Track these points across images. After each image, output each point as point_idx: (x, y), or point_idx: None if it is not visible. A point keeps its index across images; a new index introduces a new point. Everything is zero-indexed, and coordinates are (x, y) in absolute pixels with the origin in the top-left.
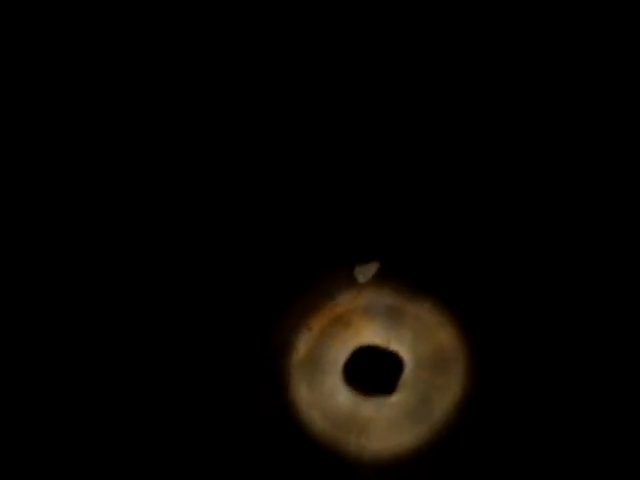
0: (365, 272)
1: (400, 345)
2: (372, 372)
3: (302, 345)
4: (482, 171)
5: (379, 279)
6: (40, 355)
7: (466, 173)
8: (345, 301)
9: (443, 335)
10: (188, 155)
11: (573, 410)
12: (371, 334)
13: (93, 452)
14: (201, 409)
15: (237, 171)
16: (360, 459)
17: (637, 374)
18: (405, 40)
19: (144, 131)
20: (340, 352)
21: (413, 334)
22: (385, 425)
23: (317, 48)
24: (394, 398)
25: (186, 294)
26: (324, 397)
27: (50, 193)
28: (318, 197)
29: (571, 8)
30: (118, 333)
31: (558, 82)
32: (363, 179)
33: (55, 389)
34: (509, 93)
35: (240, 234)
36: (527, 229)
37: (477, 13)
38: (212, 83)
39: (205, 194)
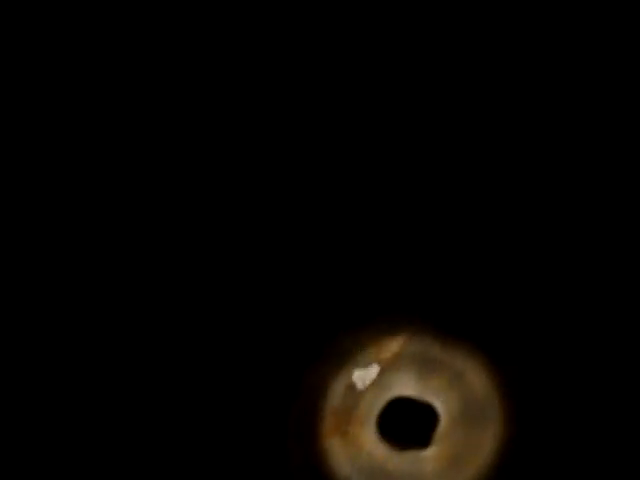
0: (364, 377)
1: (434, 396)
2: (406, 424)
3: (333, 399)
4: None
5: (412, 327)
6: (40, 355)
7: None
8: (379, 349)
9: (478, 385)
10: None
11: (621, 466)
12: (405, 384)
13: (94, 452)
14: (229, 454)
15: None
16: None
17: None
18: (405, 39)
19: (144, 132)
20: (374, 403)
21: (448, 384)
22: (421, 479)
23: (316, 47)
24: (429, 452)
25: (218, 329)
26: (357, 449)
27: (50, 193)
28: (345, 245)
29: (571, 8)
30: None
31: (558, 79)
32: (390, 225)
33: (64, 389)
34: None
35: (275, 275)
36: (561, 273)
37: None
38: (212, 82)
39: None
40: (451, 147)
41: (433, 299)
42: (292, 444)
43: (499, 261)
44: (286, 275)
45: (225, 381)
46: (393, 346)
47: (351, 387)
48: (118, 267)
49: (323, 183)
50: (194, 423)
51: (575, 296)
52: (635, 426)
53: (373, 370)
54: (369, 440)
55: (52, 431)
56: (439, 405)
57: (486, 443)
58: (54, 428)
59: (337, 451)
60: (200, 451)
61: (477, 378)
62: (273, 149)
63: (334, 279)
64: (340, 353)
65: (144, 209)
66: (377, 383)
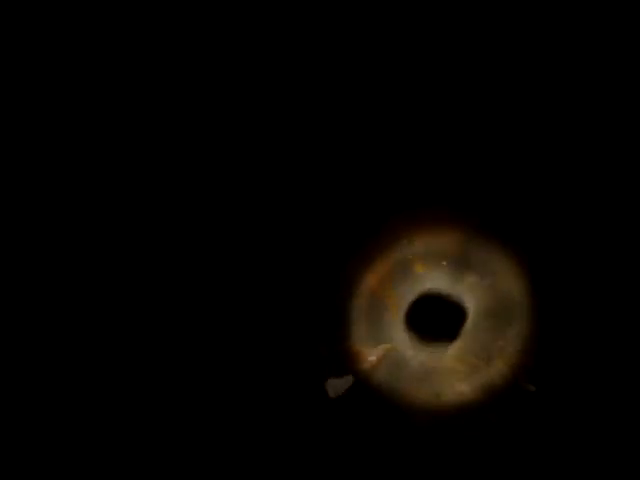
0: (337, 387)
1: (463, 293)
2: (434, 320)
3: (365, 289)
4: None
5: (445, 224)
6: (43, 355)
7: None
8: (410, 246)
9: (508, 283)
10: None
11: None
12: (435, 281)
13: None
14: (259, 350)
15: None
16: (418, 407)
17: None
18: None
19: (142, 130)
20: (403, 298)
21: (477, 281)
22: (445, 374)
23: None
24: (455, 347)
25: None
26: (385, 343)
27: (50, 193)
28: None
29: (571, 8)
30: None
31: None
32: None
33: (66, 387)
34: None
35: (309, 181)
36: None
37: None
38: (207, 79)
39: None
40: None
41: (470, 198)
42: (321, 339)
43: (534, 159)
44: (319, 176)
45: (258, 276)
46: (424, 243)
47: (381, 282)
48: (104, 256)
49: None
50: (217, 315)
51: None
52: None
53: (404, 266)
54: (396, 334)
55: (48, 428)
56: (467, 302)
57: (512, 342)
58: (52, 425)
59: (365, 345)
60: (228, 341)
61: (507, 278)
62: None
63: (367, 178)
64: (376, 246)
65: (135, 202)
66: (409, 277)
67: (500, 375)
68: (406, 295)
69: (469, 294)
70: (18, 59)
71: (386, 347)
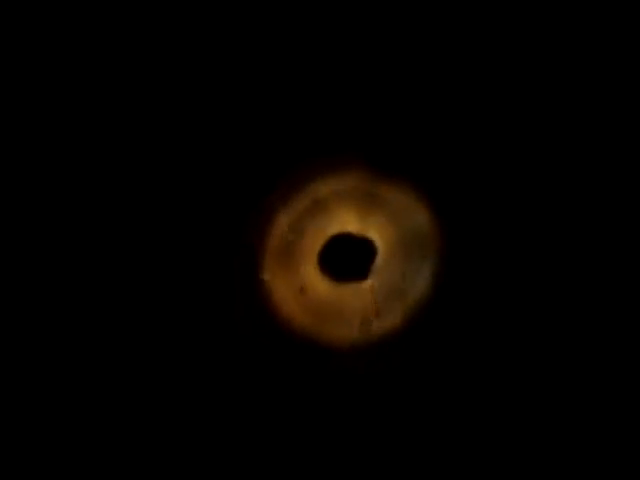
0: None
1: (373, 231)
2: (347, 259)
3: (277, 234)
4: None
5: (352, 164)
6: (38, 355)
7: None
8: (318, 188)
9: (416, 219)
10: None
11: (541, 297)
12: (344, 221)
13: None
14: (176, 306)
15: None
16: (337, 346)
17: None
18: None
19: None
20: (314, 240)
21: (386, 219)
22: (359, 311)
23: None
24: (367, 284)
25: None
26: (299, 286)
27: (48, 192)
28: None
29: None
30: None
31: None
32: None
33: (53, 384)
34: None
35: (215, 118)
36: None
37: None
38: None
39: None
40: None
41: (374, 136)
42: (236, 286)
43: (444, 95)
44: (228, 117)
45: (170, 234)
46: (332, 183)
47: (292, 226)
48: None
49: None
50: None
51: (513, 126)
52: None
53: (313, 208)
54: (311, 276)
55: (48, 428)
56: (377, 240)
57: (422, 277)
58: (50, 425)
59: (280, 289)
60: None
61: (416, 214)
62: None
63: (275, 119)
64: (280, 194)
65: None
66: (317, 221)
67: (412, 309)
68: (317, 236)
69: (378, 232)
70: (18, 59)
71: (301, 287)
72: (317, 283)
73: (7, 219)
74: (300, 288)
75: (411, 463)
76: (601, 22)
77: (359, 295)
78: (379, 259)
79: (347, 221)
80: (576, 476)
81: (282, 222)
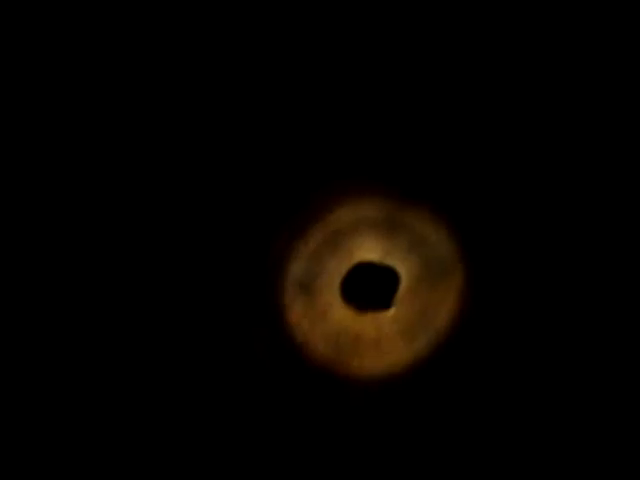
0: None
1: (395, 259)
2: (369, 289)
3: (295, 267)
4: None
5: (370, 190)
6: (35, 354)
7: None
8: (336, 218)
9: (440, 246)
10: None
11: (571, 331)
12: (366, 250)
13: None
14: (191, 340)
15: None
16: (360, 378)
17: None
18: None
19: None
20: (336, 269)
21: (408, 246)
22: (383, 342)
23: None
24: (391, 313)
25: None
26: (321, 318)
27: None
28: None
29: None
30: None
31: None
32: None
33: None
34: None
35: (225, 153)
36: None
37: None
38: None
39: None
40: None
41: (395, 161)
42: (254, 319)
43: (462, 125)
44: (238, 151)
45: (179, 260)
46: (352, 213)
47: (313, 255)
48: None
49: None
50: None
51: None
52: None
53: (332, 238)
54: (333, 305)
55: (48, 428)
56: (400, 268)
57: (447, 305)
58: (50, 424)
59: (301, 320)
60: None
61: (439, 241)
62: None
63: (289, 152)
64: (301, 223)
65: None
66: (339, 250)
67: (437, 340)
68: (339, 267)
69: (401, 260)
70: (18, 59)
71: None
72: (338, 312)
73: (9, 220)
74: (320, 314)
75: None
76: (601, 22)
77: (381, 324)
78: (402, 288)
79: (369, 249)
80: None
81: (302, 254)
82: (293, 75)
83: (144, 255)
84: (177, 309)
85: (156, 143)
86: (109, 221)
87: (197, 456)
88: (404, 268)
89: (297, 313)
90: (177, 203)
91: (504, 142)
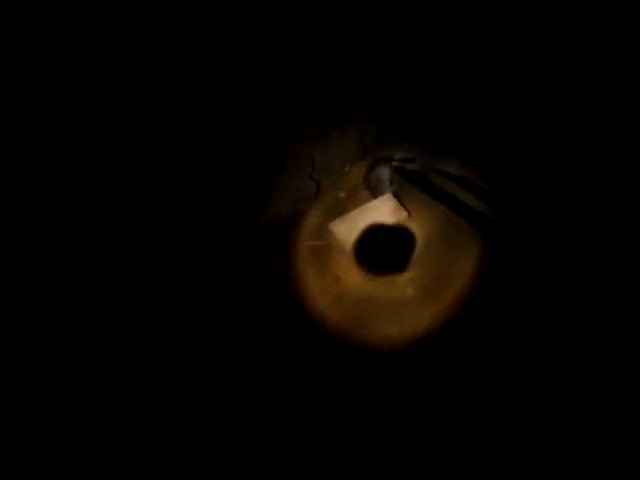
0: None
1: (411, 221)
2: (384, 251)
3: (307, 232)
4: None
5: (386, 154)
6: (35, 353)
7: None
8: (351, 179)
9: (458, 206)
10: None
11: (584, 289)
12: (380, 211)
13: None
14: (209, 306)
15: None
16: (374, 342)
17: None
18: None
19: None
20: (349, 232)
21: (424, 209)
22: (397, 306)
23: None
24: (406, 276)
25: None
26: (335, 280)
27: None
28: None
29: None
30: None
31: None
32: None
33: (49, 380)
34: None
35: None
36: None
37: None
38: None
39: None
40: None
41: (411, 122)
42: (270, 283)
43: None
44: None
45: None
46: (367, 174)
47: (324, 219)
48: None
49: None
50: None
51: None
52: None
53: (346, 199)
54: (346, 269)
55: (48, 428)
56: (416, 230)
57: (463, 266)
58: (50, 424)
59: (314, 283)
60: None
61: (458, 202)
62: None
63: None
64: (314, 184)
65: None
66: (350, 212)
67: (453, 302)
68: (350, 231)
69: (416, 222)
70: (18, 59)
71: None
72: (352, 276)
73: (9, 220)
74: (335, 278)
75: (447, 460)
76: (601, 22)
77: (397, 288)
78: (418, 249)
79: (383, 212)
80: None
81: (315, 215)
82: (294, 75)
83: (159, 226)
84: (193, 282)
85: (155, 141)
86: (110, 202)
87: (216, 426)
88: (419, 230)
89: (311, 279)
90: (191, 170)
91: (523, 108)
